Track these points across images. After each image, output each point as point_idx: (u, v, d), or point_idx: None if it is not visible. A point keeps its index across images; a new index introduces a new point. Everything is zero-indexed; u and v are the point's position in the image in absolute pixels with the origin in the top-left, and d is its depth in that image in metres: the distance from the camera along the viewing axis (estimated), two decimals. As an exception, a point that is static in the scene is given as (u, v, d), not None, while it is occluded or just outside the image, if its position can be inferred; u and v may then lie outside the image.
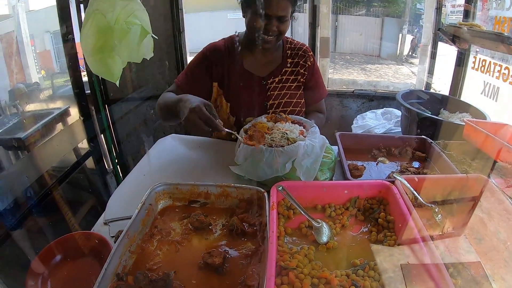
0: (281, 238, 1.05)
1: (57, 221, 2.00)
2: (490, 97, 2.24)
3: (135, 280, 0.88)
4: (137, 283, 0.87)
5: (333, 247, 1.03)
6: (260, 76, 1.64)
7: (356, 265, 0.95)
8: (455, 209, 1.19)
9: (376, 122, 2.26)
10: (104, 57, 0.89)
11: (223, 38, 1.69)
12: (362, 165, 1.44)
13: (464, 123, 1.62)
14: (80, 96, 2.46)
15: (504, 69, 2.18)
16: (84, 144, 2.55)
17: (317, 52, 2.63)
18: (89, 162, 2.56)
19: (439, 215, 1.14)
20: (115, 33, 0.83)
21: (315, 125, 1.41)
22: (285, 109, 1.63)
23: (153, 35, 0.94)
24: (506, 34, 1.97)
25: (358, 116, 2.37)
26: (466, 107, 2.17)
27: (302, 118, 1.52)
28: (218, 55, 1.63)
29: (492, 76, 2.22)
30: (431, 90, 2.61)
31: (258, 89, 1.63)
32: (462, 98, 2.39)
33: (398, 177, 1.19)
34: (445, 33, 2.28)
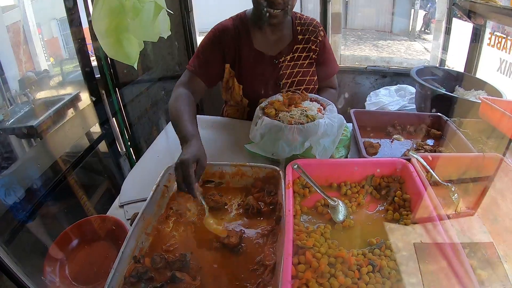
0: (297, 217, 1.04)
1: (72, 206, 2.03)
2: (506, 75, 2.15)
3: (152, 262, 0.89)
4: (154, 265, 0.88)
5: (350, 226, 1.02)
6: (271, 55, 1.58)
7: (372, 244, 0.95)
8: (471, 188, 1.17)
9: (390, 99, 2.20)
10: (119, 39, 0.86)
11: (231, 17, 1.63)
12: (378, 142, 1.40)
13: (480, 101, 1.56)
14: (90, 80, 2.45)
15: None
16: (96, 128, 2.56)
17: (328, 28, 2.54)
18: (102, 146, 2.58)
19: (456, 194, 1.11)
20: (127, 12, 0.80)
21: (332, 103, 1.38)
22: (298, 87, 1.58)
23: (169, 10, 0.90)
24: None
25: (371, 92, 2.31)
26: (481, 85, 2.09)
27: (318, 96, 1.47)
28: (228, 36, 1.56)
29: (509, 53, 2.12)
30: (446, 67, 2.52)
31: (270, 69, 1.58)
32: (478, 75, 2.30)
33: (414, 155, 1.16)
34: (460, 8, 2.18)
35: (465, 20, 2.32)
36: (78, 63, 2.41)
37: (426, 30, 7.78)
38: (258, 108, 1.38)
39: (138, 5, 0.80)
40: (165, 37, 1.05)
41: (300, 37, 1.60)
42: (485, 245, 0.95)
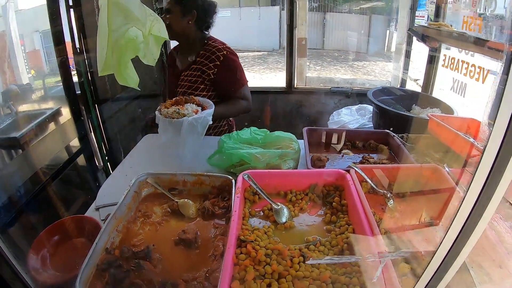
0: (246, 218, 1.27)
1: (51, 215, 2.20)
2: (458, 93, 2.46)
3: (121, 253, 1.10)
4: (123, 255, 1.10)
5: (291, 227, 1.24)
6: (179, 69, 2.18)
7: (309, 241, 1.17)
8: (408, 195, 1.40)
9: (351, 118, 2.47)
10: (125, 68, 1.11)
11: None
12: (326, 157, 1.66)
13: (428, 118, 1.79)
14: (70, 96, 2.67)
15: (471, 66, 2.39)
16: (75, 142, 2.76)
17: (294, 52, 2.82)
18: (81, 160, 2.77)
19: (391, 201, 1.35)
20: (138, 44, 1.05)
21: (212, 107, 1.82)
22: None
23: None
24: (469, 33, 2.17)
25: (334, 112, 2.58)
26: (436, 103, 2.37)
27: (206, 100, 1.90)
28: (172, 53, 2.31)
29: (460, 73, 2.43)
30: (403, 87, 2.82)
31: (176, 79, 2.18)
32: (434, 94, 2.60)
33: (353, 166, 1.41)
34: (415, 33, 2.49)
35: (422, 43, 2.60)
36: (60, 78, 2.62)
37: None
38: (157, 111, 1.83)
39: (148, 39, 1.05)
40: (153, 64, 1.32)
41: (198, 59, 2.09)
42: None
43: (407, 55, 2.86)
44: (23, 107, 2.64)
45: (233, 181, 1.35)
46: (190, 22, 2.04)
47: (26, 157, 2.32)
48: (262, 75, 8.44)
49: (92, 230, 1.25)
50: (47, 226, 1.28)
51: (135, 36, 1.04)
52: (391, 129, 1.86)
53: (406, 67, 2.88)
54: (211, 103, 1.88)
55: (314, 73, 7.45)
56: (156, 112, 1.73)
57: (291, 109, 2.98)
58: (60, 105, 2.68)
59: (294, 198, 1.38)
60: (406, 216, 1.30)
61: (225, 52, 2.08)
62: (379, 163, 1.62)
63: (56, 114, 2.65)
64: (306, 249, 1.12)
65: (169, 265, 1.10)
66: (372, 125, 2.37)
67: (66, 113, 2.69)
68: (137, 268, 1.06)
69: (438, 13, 2.57)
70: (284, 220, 1.26)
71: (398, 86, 2.93)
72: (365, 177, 1.39)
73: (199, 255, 1.15)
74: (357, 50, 8.47)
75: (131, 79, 1.12)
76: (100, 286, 1.02)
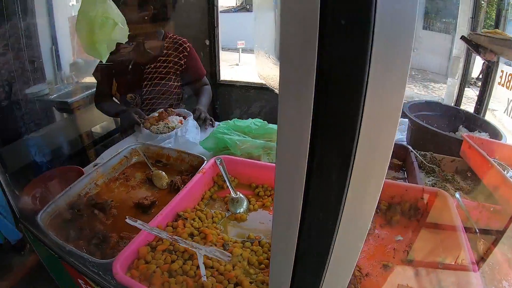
0: (204, 200, 1.34)
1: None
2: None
3: (86, 200, 1.31)
4: (87, 202, 1.30)
5: (242, 219, 1.26)
6: (142, 63, 2.22)
7: (250, 238, 1.16)
8: (398, 218, 1.26)
9: None
10: (94, 42, 1.31)
11: None
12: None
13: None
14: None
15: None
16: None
17: None
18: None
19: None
20: (96, 26, 1.25)
21: (191, 114, 2.03)
22: (158, 88, 2.25)
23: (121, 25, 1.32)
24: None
25: None
26: (487, 126, 2.08)
27: (182, 110, 2.12)
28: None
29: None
30: (449, 105, 2.49)
31: (135, 76, 2.23)
32: (487, 116, 2.25)
33: None
34: (468, 42, 2.15)
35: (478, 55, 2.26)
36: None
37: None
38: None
39: (105, 20, 1.24)
40: (123, 42, 1.49)
41: (165, 51, 2.23)
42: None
43: (465, 68, 2.52)
44: (86, 79, 3.12)
45: (206, 161, 1.45)
46: (146, 18, 2.10)
47: (73, 120, 2.77)
48: None
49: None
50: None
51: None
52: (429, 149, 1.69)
53: (463, 83, 2.54)
54: (187, 111, 2.11)
55: None
56: (142, 128, 1.92)
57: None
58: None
59: (262, 193, 1.38)
60: (386, 240, 1.17)
61: (189, 43, 2.30)
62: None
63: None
64: (238, 244, 1.12)
65: (118, 222, 1.26)
66: (406, 141, 2.21)
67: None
68: (90, 215, 1.25)
69: (498, 20, 2.22)
70: (237, 211, 1.29)
71: (453, 103, 2.62)
72: None
73: (146, 220, 1.27)
74: (435, 71, 7.59)
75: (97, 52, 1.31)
76: (58, 222, 1.23)
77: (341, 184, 0.48)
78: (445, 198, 1.21)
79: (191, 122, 1.93)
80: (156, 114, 2.02)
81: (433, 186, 1.45)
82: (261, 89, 3.25)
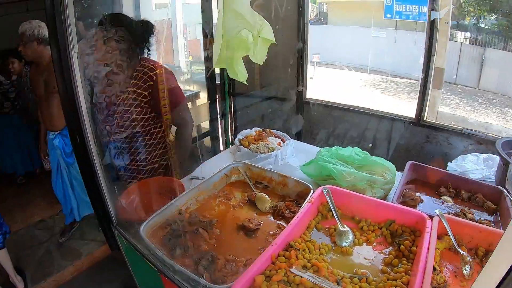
0: (310, 229, 1.32)
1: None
2: None
3: (189, 217, 1.32)
4: (190, 219, 1.31)
5: (348, 253, 1.23)
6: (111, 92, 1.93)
7: (357, 274, 1.13)
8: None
9: (476, 166, 2.17)
10: (234, 64, 1.33)
11: None
12: (419, 196, 1.54)
13: None
14: (211, 85, 3.14)
15: None
16: (205, 124, 3.22)
17: (429, 82, 2.62)
18: (206, 140, 3.22)
19: (467, 266, 1.17)
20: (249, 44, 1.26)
21: (289, 138, 2.04)
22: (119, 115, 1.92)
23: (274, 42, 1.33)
24: None
25: (459, 157, 2.31)
26: None
27: (279, 132, 2.15)
28: None
29: None
30: None
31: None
32: None
33: (438, 213, 1.28)
34: None
35: None
36: (204, 67, 3.11)
37: None
38: (236, 139, 2.03)
39: (257, 40, 1.26)
40: (260, 63, 1.49)
41: (132, 81, 1.91)
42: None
43: None
44: None
45: (312, 190, 1.42)
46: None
47: None
48: (404, 102, 7.97)
49: (178, 193, 1.51)
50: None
51: (246, 37, 1.22)
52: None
53: None
54: (286, 135, 2.10)
55: (462, 112, 6.60)
56: (240, 146, 1.95)
57: (411, 141, 2.81)
58: (200, 90, 3.18)
59: (366, 228, 1.35)
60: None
61: (157, 71, 1.94)
62: (477, 222, 1.40)
63: (195, 96, 3.17)
64: (347, 279, 1.09)
65: (222, 242, 1.26)
66: (495, 180, 2.05)
67: (203, 97, 3.16)
68: (193, 233, 1.26)
69: None
70: (344, 244, 1.25)
71: None
72: (448, 229, 1.23)
73: (252, 244, 1.26)
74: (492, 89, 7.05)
75: (240, 73, 1.30)
76: (161, 235, 1.25)
77: None
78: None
79: (291, 145, 1.93)
80: (253, 132, 2.03)
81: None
82: (347, 111, 3.17)
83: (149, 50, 1.98)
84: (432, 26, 2.57)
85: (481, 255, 1.23)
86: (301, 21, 3.13)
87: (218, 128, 3.30)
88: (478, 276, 0.59)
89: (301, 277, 1.05)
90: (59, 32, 1.20)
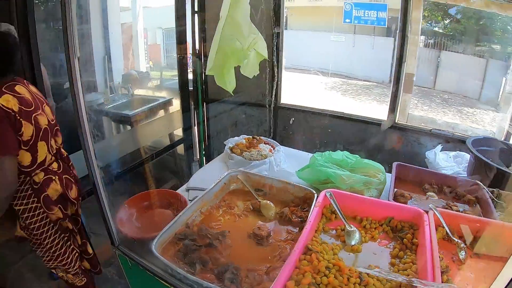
0: (318, 232, 1.36)
1: (142, 188, 2.58)
2: None
3: (198, 230, 1.30)
4: (200, 232, 1.29)
5: (357, 251, 1.30)
6: None
7: (371, 268, 1.20)
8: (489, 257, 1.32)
9: (447, 163, 2.36)
10: (224, 73, 1.33)
11: None
12: (409, 194, 1.66)
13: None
14: (183, 91, 3.08)
15: None
16: (179, 132, 3.16)
17: (400, 87, 2.80)
18: (180, 148, 3.16)
19: (463, 252, 1.30)
20: (240, 56, 1.26)
21: (278, 145, 2.11)
22: None
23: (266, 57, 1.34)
24: None
25: (428, 152, 2.48)
26: None
27: (269, 139, 2.19)
28: None
29: None
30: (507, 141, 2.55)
31: None
32: None
33: (433, 208, 1.40)
34: None
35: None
36: (175, 72, 3.05)
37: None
38: (226, 147, 2.04)
39: (247, 53, 1.26)
40: (254, 76, 1.50)
41: None
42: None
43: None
44: (139, 91, 3.14)
45: (316, 195, 1.46)
46: None
47: (133, 133, 2.77)
48: (365, 105, 8.40)
49: (179, 205, 1.50)
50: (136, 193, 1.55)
51: (241, 48, 1.24)
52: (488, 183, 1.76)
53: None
54: (275, 141, 2.17)
55: (421, 112, 7.12)
56: (232, 154, 1.96)
57: (386, 143, 2.96)
58: (172, 97, 3.12)
59: (368, 226, 1.43)
60: (478, 276, 1.24)
61: None
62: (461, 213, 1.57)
63: (167, 103, 3.11)
64: (365, 274, 1.16)
65: (236, 253, 1.26)
66: (466, 175, 2.25)
67: (176, 105, 3.11)
68: (208, 246, 1.25)
69: None
70: (353, 242, 1.32)
71: (503, 138, 2.68)
72: (443, 221, 1.37)
73: (265, 252, 1.28)
74: (469, 96, 7.77)
75: (229, 83, 1.32)
76: (173, 252, 1.23)
77: None
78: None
79: (281, 152, 1.98)
80: (243, 140, 2.05)
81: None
82: (322, 115, 3.24)
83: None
84: (403, 33, 2.75)
85: (471, 241, 1.37)
86: (276, 27, 3.16)
87: (191, 137, 3.25)
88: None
89: (367, 274, 1.14)
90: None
